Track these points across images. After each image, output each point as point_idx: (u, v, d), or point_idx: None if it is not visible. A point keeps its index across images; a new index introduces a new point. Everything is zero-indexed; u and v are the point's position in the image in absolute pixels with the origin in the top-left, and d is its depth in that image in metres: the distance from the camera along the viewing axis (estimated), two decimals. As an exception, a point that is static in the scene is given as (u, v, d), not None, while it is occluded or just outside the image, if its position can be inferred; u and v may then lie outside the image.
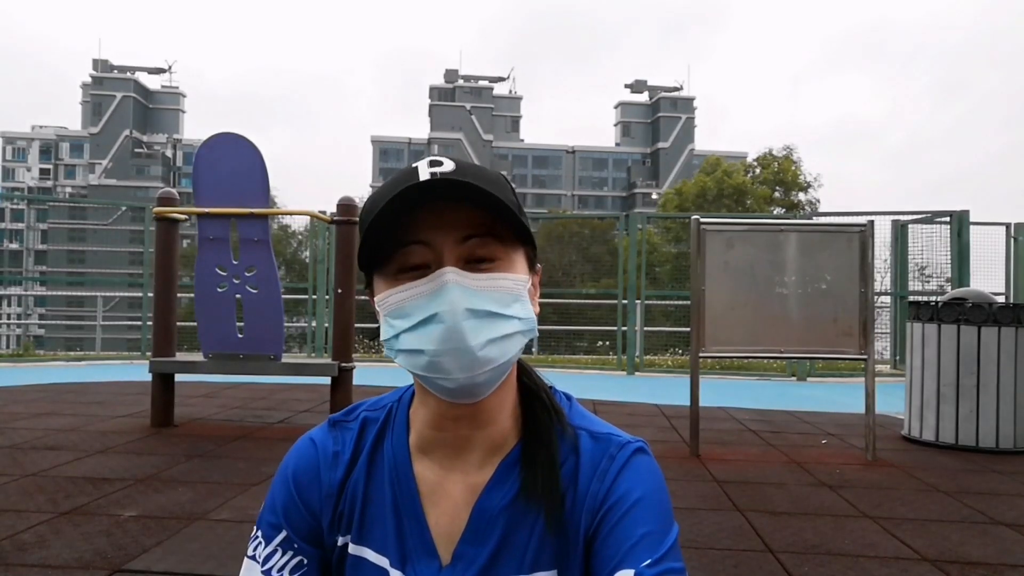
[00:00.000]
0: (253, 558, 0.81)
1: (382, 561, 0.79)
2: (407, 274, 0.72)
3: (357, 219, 5.01)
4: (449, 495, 0.79)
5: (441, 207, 0.70)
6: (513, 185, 0.79)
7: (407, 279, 0.72)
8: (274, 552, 0.81)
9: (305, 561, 0.81)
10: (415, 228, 0.71)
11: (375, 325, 0.77)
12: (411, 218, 0.71)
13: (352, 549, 0.81)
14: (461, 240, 0.71)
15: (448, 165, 0.71)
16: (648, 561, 0.70)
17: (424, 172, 0.70)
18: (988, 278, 8.94)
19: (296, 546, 0.81)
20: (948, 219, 8.61)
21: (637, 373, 9.09)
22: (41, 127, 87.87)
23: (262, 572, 0.80)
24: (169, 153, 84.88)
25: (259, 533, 0.82)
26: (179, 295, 5.23)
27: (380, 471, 0.81)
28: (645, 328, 9.70)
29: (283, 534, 0.81)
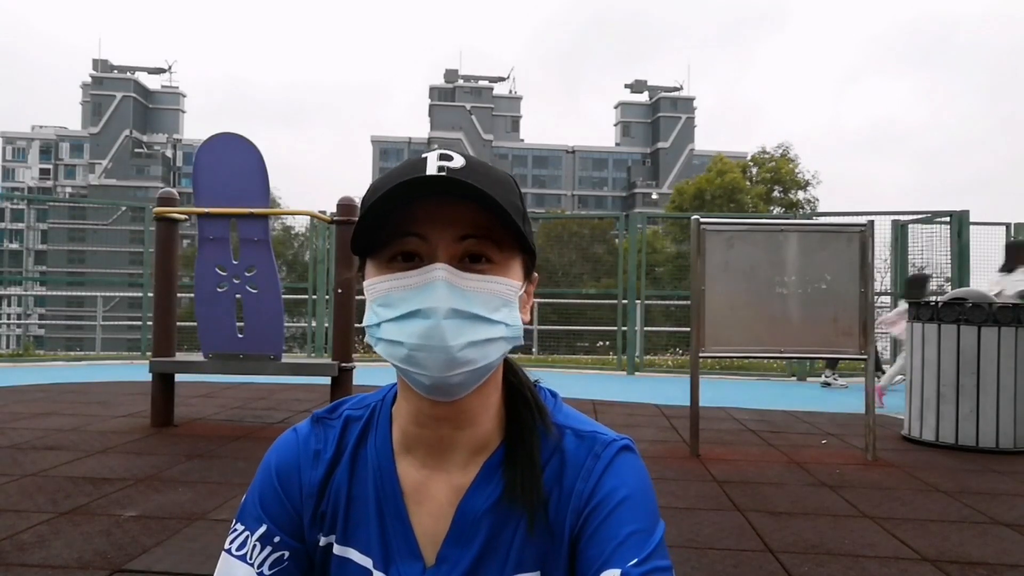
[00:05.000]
0: (229, 551, 0.79)
1: (366, 562, 0.78)
2: (399, 263, 0.70)
3: (357, 220, 5.02)
4: (433, 496, 0.78)
5: (442, 202, 0.68)
6: (521, 190, 0.77)
7: (398, 268, 0.70)
8: (254, 546, 0.79)
9: (286, 555, 0.79)
10: (413, 220, 0.69)
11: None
12: (411, 209, 0.69)
13: (337, 550, 0.80)
14: (458, 238, 0.69)
15: (457, 161, 0.69)
16: (635, 560, 0.69)
17: (432, 166, 0.68)
18: (988, 278, 8.94)
19: (277, 540, 0.79)
20: (948, 219, 8.62)
21: (637, 373, 9.09)
22: (41, 127, 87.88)
23: (240, 562, 0.78)
24: (169, 153, 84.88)
25: (239, 527, 0.81)
26: (179, 295, 5.22)
27: (363, 471, 0.80)
28: (645, 328, 9.70)
29: (264, 527, 0.80)
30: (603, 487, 0.75)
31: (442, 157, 0.70)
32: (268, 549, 0.79)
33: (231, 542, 0.80)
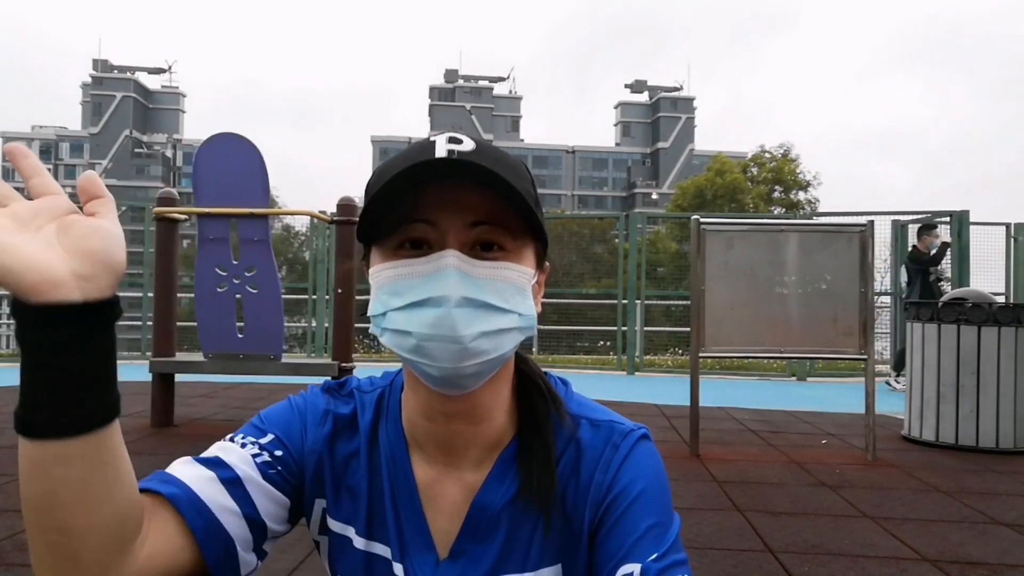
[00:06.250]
0: (228, 439, 0.77)
1: (386, 552, 0.77)
2: (407, 251, 0.67)
3: (357, 219, 5.02)
4: (446, 493, 0.76)
5: (453, 187, 0.65)
6: (533, 176, 0.74)
7: (406, 255, 0.67)
8: (252, 444, 0.75)
9: (280, 453, 0.75)
10: (423, 205, 0.66)
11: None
12: (419, 194, 0.66)
13: (360, 544, 0.78)
14: (469, 224, 0.66)
15: (467, 144, 0.66)
16: (655, 555, 0.68)
17: (441, 148, 0.65)
18: (988, 278, 8.96)
19: (278, 454, 0.75)
20: (948, 219, 8.62)
21: (637, 373, 9.09)
22: (41, 127, 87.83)
23: (234, 444, 0.75)
24: (169, 153, 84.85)
25: (239, 435, 0.78)
26: (179, 295, 5.23)
27: (378, 463, 0.78)
28: (645, 328, 9.70)
29: (269, 436, 0.76)
30: (622, 479, 0.73)
31: (452, 140, 0.66)
32: (265, 453, 0.75)
33: (230, 437, 0.77)
